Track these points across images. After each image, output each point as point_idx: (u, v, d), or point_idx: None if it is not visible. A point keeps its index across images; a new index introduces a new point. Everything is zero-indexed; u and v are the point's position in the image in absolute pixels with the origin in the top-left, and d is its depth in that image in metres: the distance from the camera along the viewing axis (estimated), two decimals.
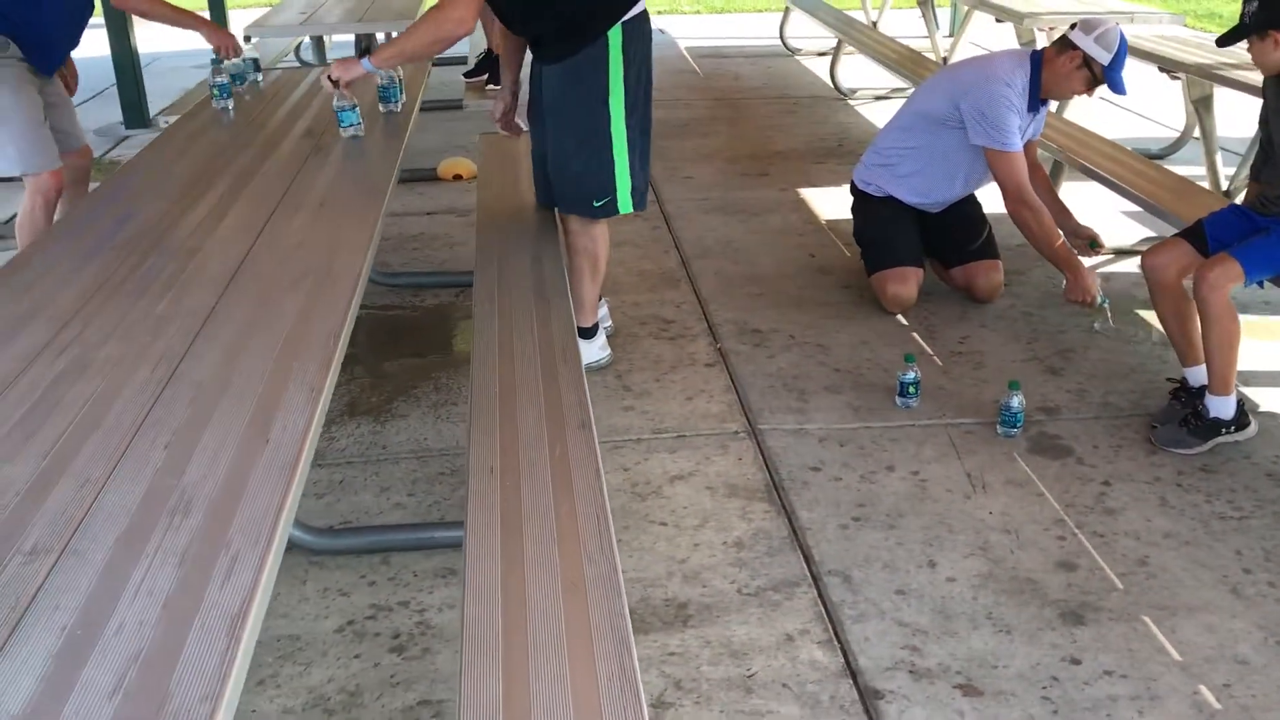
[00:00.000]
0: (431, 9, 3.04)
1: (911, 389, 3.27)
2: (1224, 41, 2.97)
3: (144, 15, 4.11)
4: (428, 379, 3.55)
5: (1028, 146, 3.81)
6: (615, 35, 3.09)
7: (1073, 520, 2.74)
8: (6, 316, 2.06)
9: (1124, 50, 3.56)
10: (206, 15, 8.60)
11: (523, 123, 3.62)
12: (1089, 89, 3.66)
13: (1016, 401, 3.10)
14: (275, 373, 1.79)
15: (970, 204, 4.05)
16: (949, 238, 4.02)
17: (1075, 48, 3.57)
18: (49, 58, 3.75)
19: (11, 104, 3.59)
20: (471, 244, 4.68)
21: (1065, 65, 3.61)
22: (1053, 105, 4.06)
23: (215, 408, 1.67)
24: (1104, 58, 3.55)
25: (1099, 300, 3.49)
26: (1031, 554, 2.62)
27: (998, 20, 6.37)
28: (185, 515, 1.41)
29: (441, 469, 3.03)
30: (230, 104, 3.65)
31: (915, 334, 3.78)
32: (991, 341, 3.71)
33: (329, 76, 3.17)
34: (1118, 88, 3.59)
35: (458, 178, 5.62)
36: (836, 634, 2.37)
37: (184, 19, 4.04)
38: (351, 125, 3.23)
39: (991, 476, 2.93)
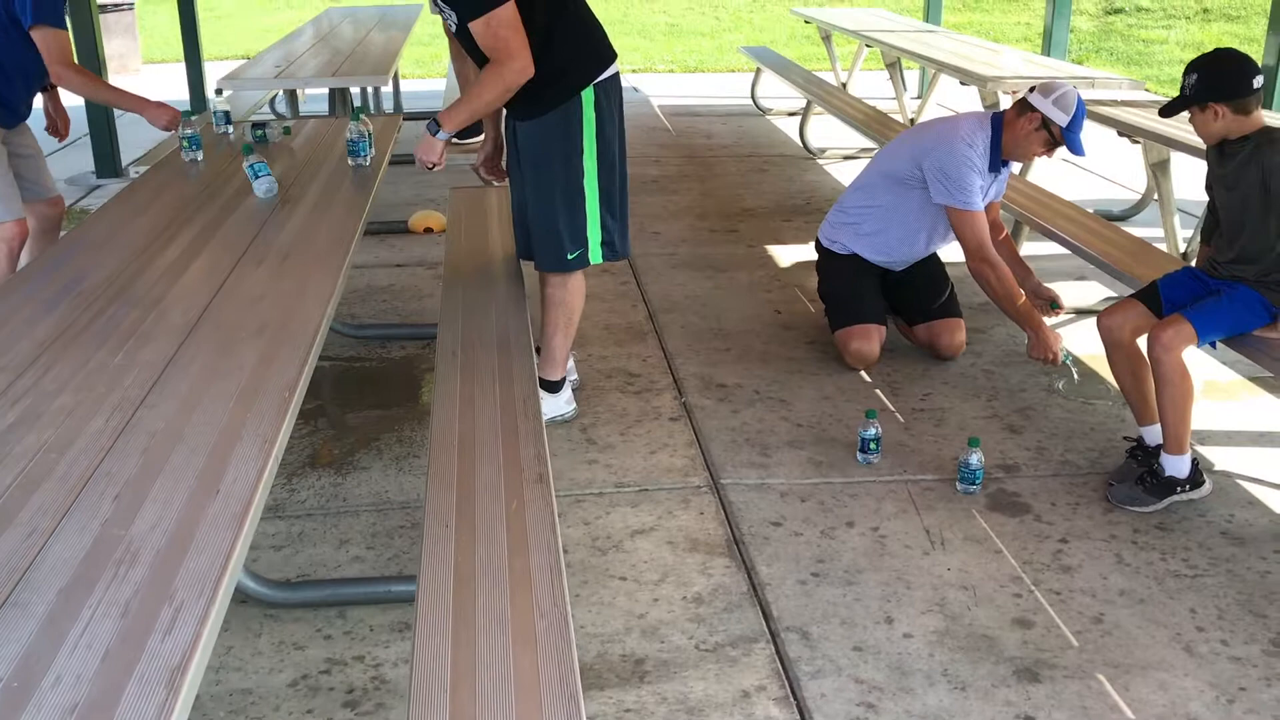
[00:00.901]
0: (490, 64, 3.03)
1: (873, 445, 3.30)
2: (1166, 112, 3.05)
3: (88, 97, 4.09)
4: (391, 431, 3.55)
5: (990, 207, 3.88)
6: (588, 95, 3.15)
7: (1030, 577, 2.76)
8: None
9: (1081, 112, 3.64)
10: (181, 66, 8.70)
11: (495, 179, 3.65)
12: (1048, 150, 3.73)
13: (976, 459, 3.13)
14: (229, 424, 1.79)
15: (933, 262, 4.11)
16: (912, 296, 4.07)
17: (1034, 110, 3.65)
18: (11, 113, 3.76)
19: None
20: (439, 296, 4.72)
21: (1025, 127, 3.68)
22: (1016, 167, 4.13)
23: (168, 459, 1.67)
24: (1062, 119, 3.63)
25: (1063, 357, 3.54)
26: (988, 611, 2.63)
27: (963, 83, 6.50)
28: (131, 566, 1.41)
29: (401, 522, 3.03)
30: (200, 155, 3.67)
31: (878, 390, 3.81)
32: (953, 398, 3.75)
33: (424, 160, 3.21)
34: (1076, 148, 3.67)
35: (429, 230, 5.66)
36: (793, 690, 2.36)
37: (125, 100, 3.97)
38: (359, 157, 3.36)
39: (950, 533, 2.95)
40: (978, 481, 3.14)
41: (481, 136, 5.66)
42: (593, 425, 3.57)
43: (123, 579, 1.38)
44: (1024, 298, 3.68)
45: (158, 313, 2.29)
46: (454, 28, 3.12)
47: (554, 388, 3.52)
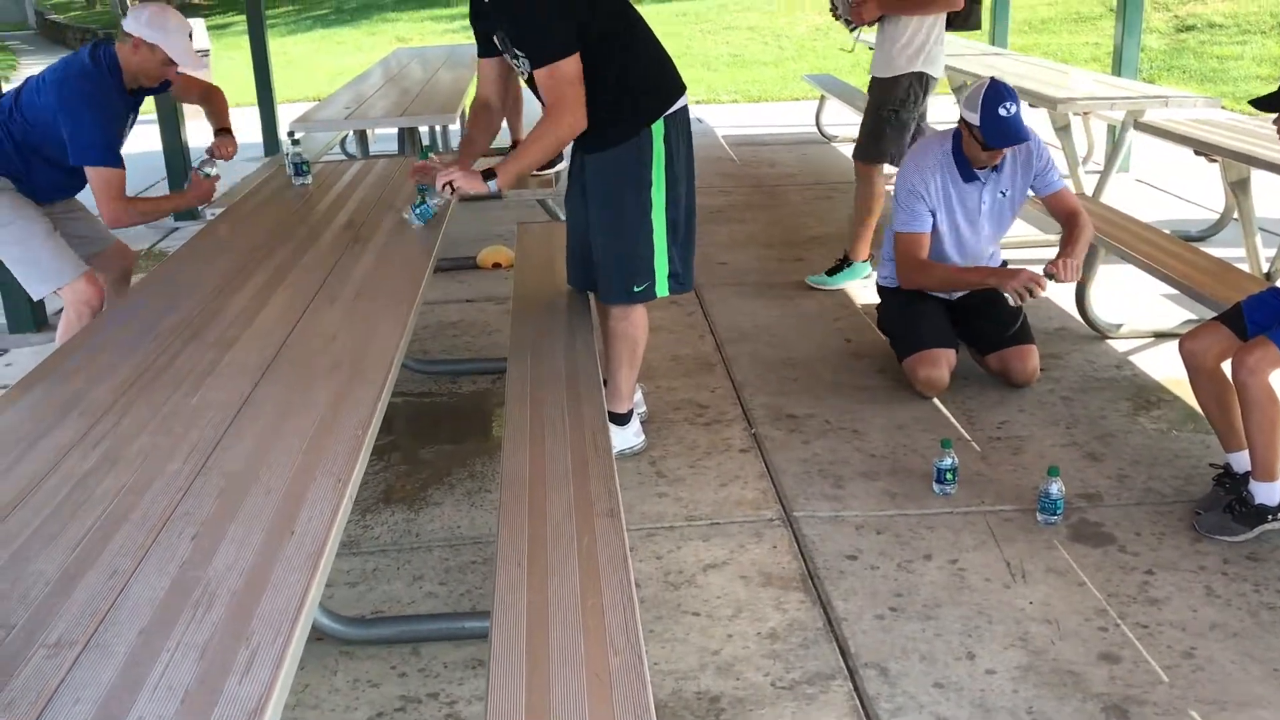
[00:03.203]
0: (543, 118, 3.06)
1: (949, 475, 3.23)
2: (1259, 104, 2.95)
3: (145, 223, 3.98)
4: (463, 466, 3.56)
5: (1052, 199, 3.89)
6: (658, 128, 3.15)
7: (1115, 610, 2.68)
8: (45, 409, 2.10)
9: (994, 99, 3.60)
10: (252, 109, 8.90)
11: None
12: (986, 152, 3.73)
13: (1056, 488, 3.05)
14: (304, 463, 1.80)
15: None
16: (982, 324, 4.00)
17: (962, 120, 3.72)
18: (49, 198, 3.79)
19: (16, 228, 3.63)
20: (508, 331, 4.75)
21: (967, 137, 3.74)
22: (1011, 171, 3.97)
23: (244, 499, 1.69)
24: (973, 118, 3.67)
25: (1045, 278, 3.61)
26: (1073, 645, 2.55)
27: (1031, 105, 6.40)
28: (208, 608, 1.41)
29: (474, 557, 3.03)
30: (309, 181, 3.90)
31: (952, 419, 3.74)
32: (1030, 426, 3.67)
33: (450, 182, 3.12)
34: (992, 140, 3.65)
35: (496, 266, 5.70)
36: None
37: (175, 202, 4.00)
38: (419, 216, 3.29)
39: (1031, 565, 2.88)
40: (1059, 512, 3.06)
41: (559, 168, 5.74)
42: (662, 458, 3.55)
43: (200, 620, 1.39)
44: (963, 271, 3.88)
45: (233, 353, 2.32)
46: (525, 75, 3.14)
47: (622, 420, 3.51)
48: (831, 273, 5.16)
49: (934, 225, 3.88)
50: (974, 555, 2.93)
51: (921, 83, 4.81)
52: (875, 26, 4.89)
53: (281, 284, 2.81)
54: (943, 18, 4.77)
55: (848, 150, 8.25)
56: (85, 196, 3.86)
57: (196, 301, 2.69)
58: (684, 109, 3.24)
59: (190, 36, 3.65)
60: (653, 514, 3.20)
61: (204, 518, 1.64)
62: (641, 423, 3.66)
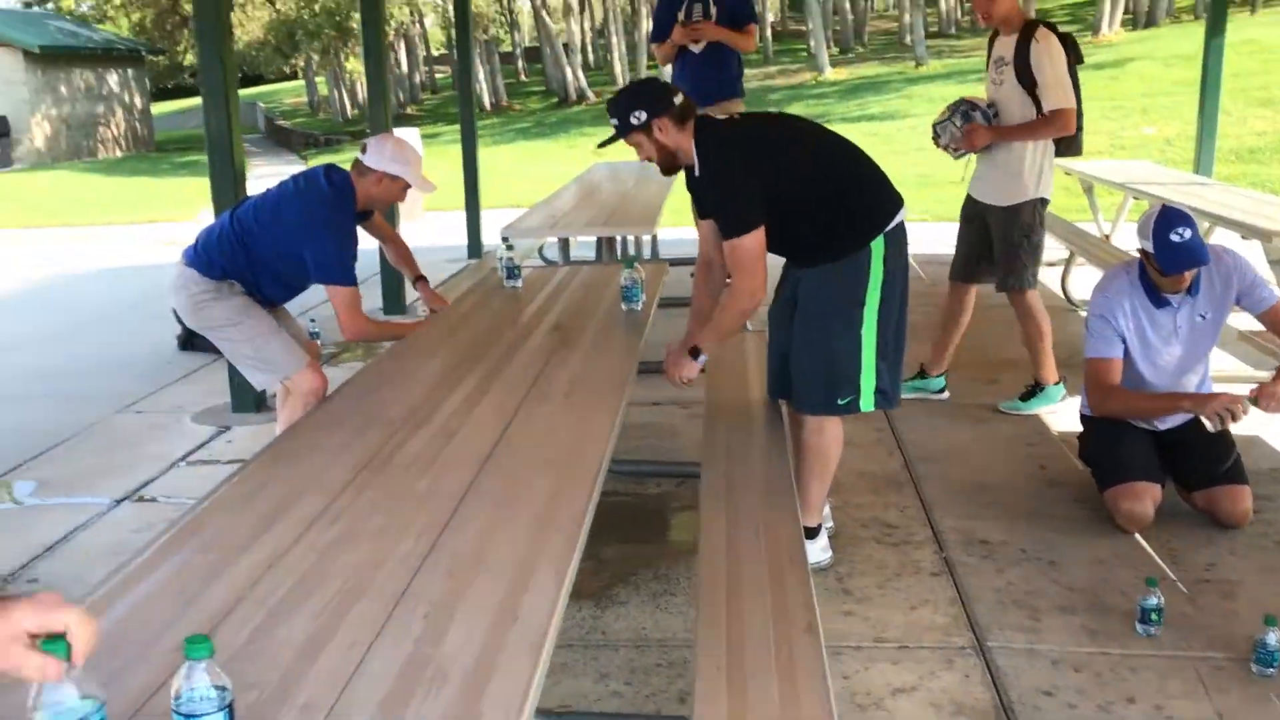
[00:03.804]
0: (729, 289, 3.30)
1: (1154, 615, 3.09)
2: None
3: (381, 341, 4.35)
4: (648, 567, 3.61)
5: (1265, 316, 3.78)
6: (878, 245, 3.22)
7: None
8: (285, 486, 2.26)
9: (1165, 224, 3.54)
10: (455, 213, 9.39)
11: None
12: (1168, 278, 3.64)
13: (1274, 638, 2.88)
14: (525, 551, 1.89)
15: None
16: (1190, 459, 3.84)
17: (1140, 248, 3.67)
18: (277, 300, 4.09)
19: (248, 325, 3.88)
20: (694, 435, 4.81)
21: (1150, 266, 3.67)
22: (1205, 296, 3.81)
23: (471, 581, 1.78)
24: (1149, 246, 3.60)
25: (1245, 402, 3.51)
26: None
27: (1243, 238, 6.19)
28: (442, 685, 1.49)
29: (659, 660, 3.05)
30: (519, 284, 4.15)
31: (1156, 557, 3.59)
32: (1242, 570, 3.48)
33: (680, 379, 3.44)
34: (1167, 267, 3.58)
35: None
36: None
37: (405, 329, 4.21)
38: (632, 302, 3.62)
39: (1246, 719, 2.71)
40: (1276, 663, 2.89)
41: None
42: (849, 575, 3.52)
43: (436, 696, 1.47)
44: (1156, 396, 3.78)
45: (455, 443, 2.45)
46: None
47: (810, 534, 3.50)
48: (1025, 398, 5.06)
49: (1127, 352, 3.79)
50: (1182, 703, 2.79)
51: (1043, 206, 4.86)
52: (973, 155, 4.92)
53: (496, 380, 2.96)
54: (1052, 141, 4.77)
55: (1040, 274, 8.11)
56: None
57: (419, 393, 2.86)
58: (901, 224, 3.29)
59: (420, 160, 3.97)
60: (839, 632, 3.16)
61: (435, 597, 1.73)
62: (829, 538, 3.64)
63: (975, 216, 5.02)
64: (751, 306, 3.28)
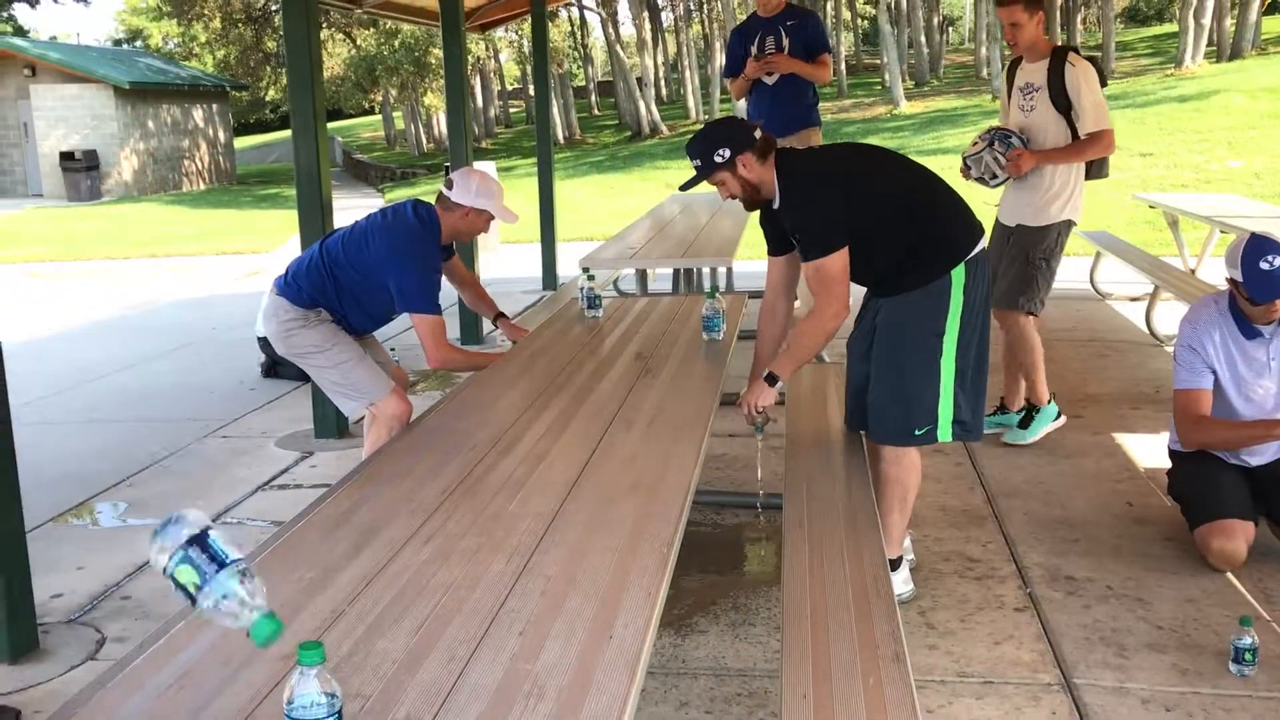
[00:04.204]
0: (812, 311, 3.25)
1: (1248, 655, 3.02)
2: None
3: (462, 370, 4.44)
4: (726, 597, 3.61)
5: None
6: (958, 274, 3.20)
7: None
8: (376, 508, 2.31)
9: (1253, 253, 3.49)
10: (529, 246, 9.50)
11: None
12: (1258, 308, 3.58)
13: None
14: (615, 573, 1.91)
15: None
16: None
17: (1230, 278, 3.61)
18: (361, 331, 4.18)
19: (336, 352, 3.96)
20: (770, 466, 4.80)
21: (1239, 295, 3.62)
22: None
23: (564, 601, 1.80)
24: (1238, 275, 3.54)
25: None
26: None
27: None
28: (539, 700, 1.52)
29: (739, 690, 3.04)
30: (600, 314, 4.20)
31: (1248, 596, 3.50)
32: None
33: (755, 409, 3.41)
34: (1257, 296, 3.52)
35: None
36: None
37: (486, 359, 4.22)
38: (713, 332, 3.64)
39: None
40: None
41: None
42: (931, 609, 3.48)
43: (533, 711, 1.49)
44: (1244, 425, 3.71)
45: (543, 467, 2.49)
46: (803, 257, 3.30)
47: (891, 566, 3.46)
48: (1024, 425, 4.99)
49: (1218, 384, 3.72)
50: None
51: (1068, 230, 4.84)
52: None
53: (581, 407, 3.00)
54: (1083, 165, 4.80)
55: (1123, 308, 8.01)
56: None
57: (505, 419, 2.91)
58: (983, 253, 3.28)
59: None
60: (923, 665, 3.13)
61: (529, 615, 1.76)
62: (910, 571, 3.61)
63: (1005, 241, 4.97)
64: (834, 327, 3.25)
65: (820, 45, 6.20)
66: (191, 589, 1.37)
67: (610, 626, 1.71)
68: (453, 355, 4.07)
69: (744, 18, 6.61)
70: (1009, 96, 4.97)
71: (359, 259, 3.93)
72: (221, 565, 1.38)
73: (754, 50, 6.17)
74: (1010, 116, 4.94)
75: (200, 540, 1.38)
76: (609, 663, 1.61)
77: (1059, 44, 4.89)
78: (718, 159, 3.23)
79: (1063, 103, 4.70)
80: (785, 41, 6.11)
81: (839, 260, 3.16)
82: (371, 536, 2.14)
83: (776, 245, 3.49)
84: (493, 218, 3.97)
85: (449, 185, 3.95)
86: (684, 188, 3.42)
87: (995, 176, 4.84)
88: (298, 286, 3.97)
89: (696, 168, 3.29)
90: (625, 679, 1.56)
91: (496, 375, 3.48)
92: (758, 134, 3.27)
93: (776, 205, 3.30)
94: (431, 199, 4.03)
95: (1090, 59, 4.82)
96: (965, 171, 4.94)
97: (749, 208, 3.38)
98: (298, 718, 1.33)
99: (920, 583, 3.62)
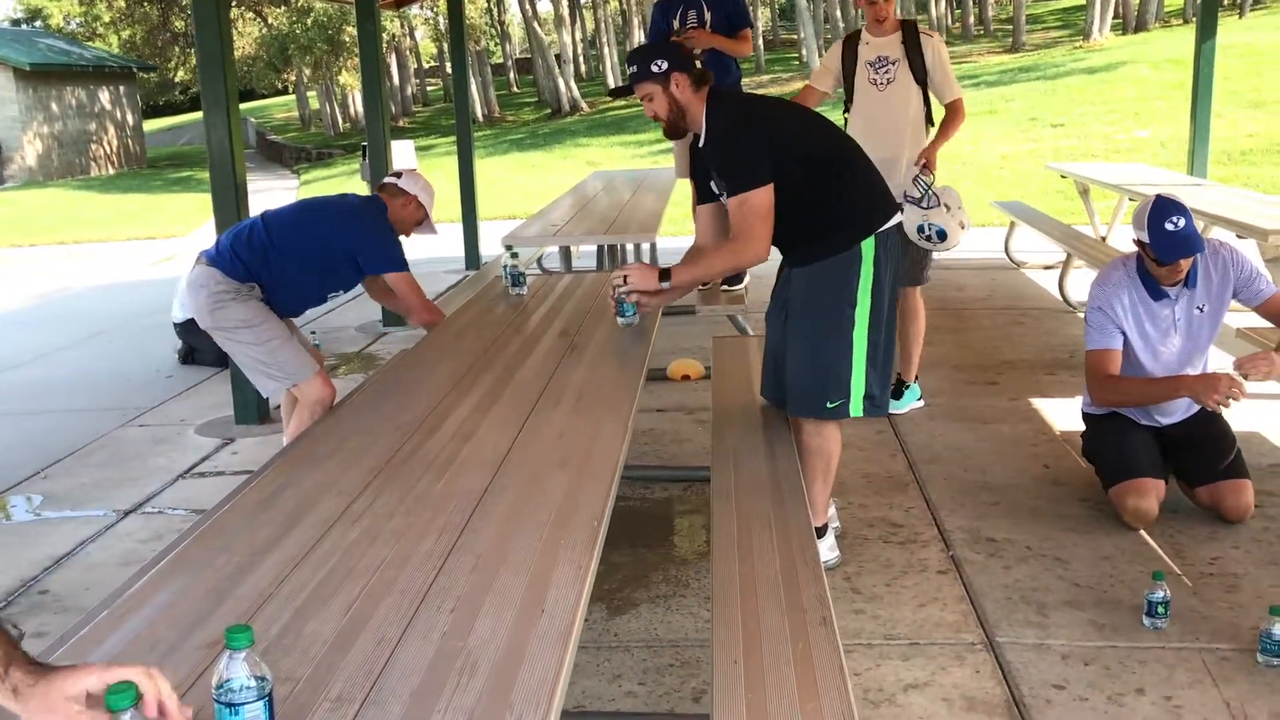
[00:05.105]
0: (730, 241, 3.23)
1: (1161, 609, 3.12)
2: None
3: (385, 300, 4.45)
4: (657, 570, 3.63)
5: (1264, 308, 3.85)
6: (869, 246, 3.23)
7: None
8: (302, 490, 2.28)
9: (1159, 214, 3.59)
10: (453, 225, 9.42)
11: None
12: (1164, 268, 3.68)
13: (1279, 629, 2.91)
14: (545, 549, 1.91)
15: (1215, 422, 3.92)
16: (1193, 456, 3.87)
17: (1136, 239, 3.72)
18: (295, 312, 4.20)
19: (264, 329, 3.93)
20: (698, 440, 4.85)
21: (1147, 256, 3.72)
22: (1213, 282, 3.85)
23: (494, 578, 1.80)
24: (1145, 236, 3.65)
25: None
26: None
27: (1239, 236, 6.24)
28: (471, 675, 1.52)
29: (672, 660, 3.07)
30: (525, 292, 4.20)
31: (1160, 552, 3.62)
32: (1245, 564, 3.52)
33: (624, 277, 3.36)
34: (1162, 255, 3.62)
35: (686, 378, 5.84)
36: None
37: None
38: (627, 316, 3.51)
39: (1254, 708, 2.74)
40: None
41: (746, 282, 5.90)
42: (857, 574, 3.54)
43: (465, 687, 1.49)
44: (1154, 382, 3.80)
45: (471, 446, 2.48)
46: (725, 199, 3.30)
47: (817, 534, 3.52)
48: (896, 396, 5.09)
49: (1128, 344, 3.82)
50: (1190, 693, 2.82)
51: None
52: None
53: (507, 386, 2.99)
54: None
55: (1037, 276, 8.19)
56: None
57: (431, 398, 2.89)
58: (894, 230, 3.32)
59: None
60: (850, 629, 3.19)
61: (459, 593, 1.76)
62: (836, 538, 3.67)
63: None
64: (745, 262, 3.25)
65: (742, 20, 6.20)
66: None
67: (542, 601, 1.72)
68: (433, 316, 4.11)
69: None
70: (853, 72, 5.02)
71: (310, 229, 3.98)
72: None
73: (676, 25, 6.16)
74: (858, 92, 5.00)
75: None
76: (541, 636, 1.61)
77: (906, 18, 5.06)
78: (654, 69, 3.22)
79: (921, 74, 4.90)
80: (707, 15, 6.09)
81: (764, 195, 3.12)
82: (298, 519, 2.11)
83: (704, 193, 3.48)
84: (425, 217, 4.11)
85: (397, 175, 4.10)
86: (613, 94, 3.43)
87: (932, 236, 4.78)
88: (233, 258, 3.91)
89: (630, 75, 3.28)
90: (559, 650, 1.57)
91: (421, 355, 3.45)
92: (698, 64, 3.30)
93: (703, 142, 3.30)
94: (348, 180, 4.07)
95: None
96: (924, 237, 4.86)
97: (670, 135, 3.37)
98: (227, 701, 1.31)
99: (845, 549, 3.68)
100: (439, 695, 1.48)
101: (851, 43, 5.06)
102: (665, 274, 3.32)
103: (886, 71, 4.91)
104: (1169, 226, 3.58)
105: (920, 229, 4.76)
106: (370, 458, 2.45)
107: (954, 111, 5.03)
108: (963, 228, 4.83)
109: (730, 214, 3.23)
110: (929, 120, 5.06)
